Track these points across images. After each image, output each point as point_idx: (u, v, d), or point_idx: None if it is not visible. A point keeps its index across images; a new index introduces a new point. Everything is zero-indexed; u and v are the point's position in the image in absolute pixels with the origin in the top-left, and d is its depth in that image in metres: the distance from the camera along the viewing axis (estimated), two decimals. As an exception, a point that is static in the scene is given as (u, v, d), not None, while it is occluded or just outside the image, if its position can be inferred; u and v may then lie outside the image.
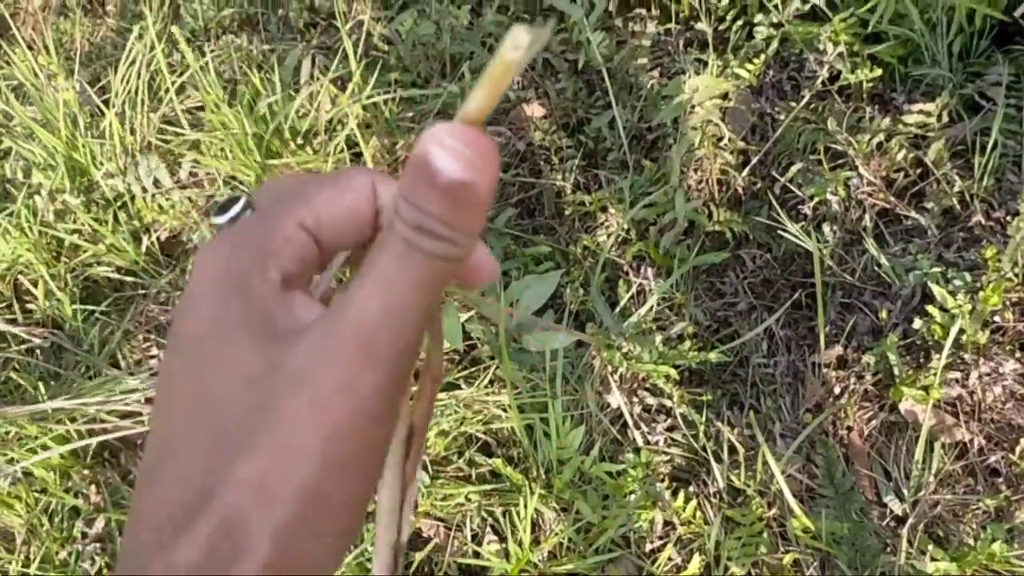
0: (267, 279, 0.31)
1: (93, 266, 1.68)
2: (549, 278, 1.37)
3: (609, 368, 1.47)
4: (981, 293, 1.34)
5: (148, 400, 1.48)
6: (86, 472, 1.42)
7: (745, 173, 1.73)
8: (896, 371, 1.37)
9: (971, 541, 1.29)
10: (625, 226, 1.64)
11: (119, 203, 1.74)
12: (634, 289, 1.59)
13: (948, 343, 1.32)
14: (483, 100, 0.28)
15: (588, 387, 1.46)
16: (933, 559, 1.26)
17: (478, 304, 1.30)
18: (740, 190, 1.75)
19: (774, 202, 1.64)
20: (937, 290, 1.36)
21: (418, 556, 1.38)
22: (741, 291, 1.66)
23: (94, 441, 1.42)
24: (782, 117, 1.77)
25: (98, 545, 1.31)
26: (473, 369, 1.46)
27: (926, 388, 1.32)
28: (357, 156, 1.70)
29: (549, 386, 1.37)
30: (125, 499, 1.39)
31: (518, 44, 0.26)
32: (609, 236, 1.67)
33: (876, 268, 1.53)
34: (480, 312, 1.32)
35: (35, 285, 1.66)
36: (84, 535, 1.31)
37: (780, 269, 1.68)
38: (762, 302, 1.64)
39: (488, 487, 1.40)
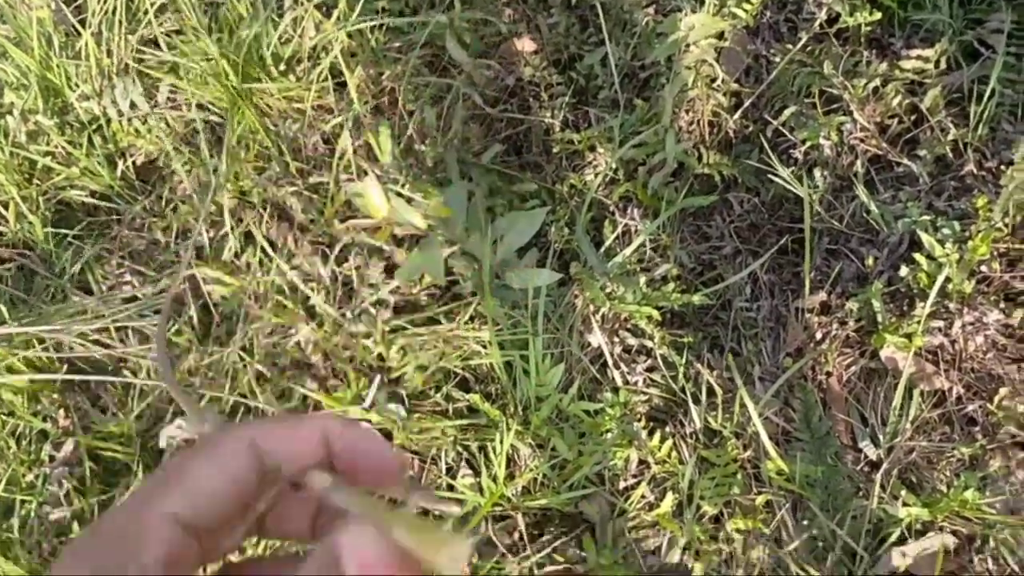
0: None
1: (67, 189, 1.64)
2: (535, 215, 1.34)
3: (591, 308, 1.45)
4: (970, 242, 1.32)
5: (119, 329, 1.46)
6: (55, 396, 1.40)
7: (737, 116, 1.70)
8: (879, 318, 1.36)
9: (944, 488, 1.30)
10: (613, 166, 1.61)
11: (94, 126, 1.69)
12: (620, 230, 1.57)
13: (934, 291, 1.31)
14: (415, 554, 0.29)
15: (569, 326, 1.44)
16: (905, 504, 1.27)
17: (461, 240, 1.28)
18: (731, 133, 1.72)
19: (765, 145, 1.61)
20: (925, 238, 1.35)
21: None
22: (727, 235, 1.64)
23: (60, 375, 1.39)
24: (777, 59, 1.73)
25: (66, 468, 1.29)
26: (454, 304, 1.44)
27: (909, 335, 1.31)
28: (341, 86, 1.66)
29: (531, 323, 1.35)
30: (95, 423, 1.37)
31: (456, 558, 0.29)
32: (597, 176, 1.64)
33: (864, 215, 1.51)
34: (463, 248, 1.30)
35: (6, 207, 1.62)
36: (52, 458, 1.30)
37: (767, 214, 1.65)
38: (748, 246, 1.63)
39: (464, 422, 1.39)
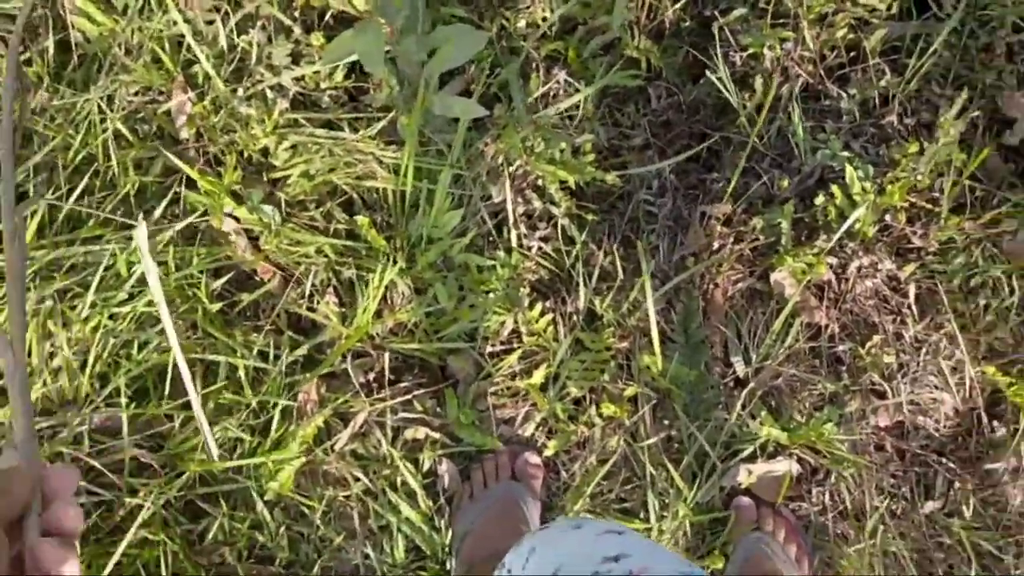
0: None
1: None
2: (478, 36, 1.20)
3: (503, 158, 1.35)
4: (889, 187, 1.32)
5: None
6: None
7: (677, 6, 1.61)
8: (783, 240, 1.35)
9: (799, 418, 1.32)
10: (554, 20, 1.49)
11: None
12: (548, 87, 1.46)
13: (844, 227, 1.31)
14: None
15: (475, 174, 1.33)
16: (762, 424, 1.28)
17: (394, 45, 1.12)
18: (667, 23, 1.63)
19: (697, 44, 1.54)
20: (850, 172, 1.34)
21: (246, 297, 1.24)
22: (639, 126, 1.57)
23: None
24: (730, -42, 1.65)
25: None
26: (360, 115, 1.29)
27: (809, 264, 1.31)
28: None
29: (448, 156, 1.23)
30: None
31: None
32: (532, 25, 1.51)
33: (788, 137, 1.49)
34: (394, 52, 1.14)
35: None
36: None
37: (685, 115, 1.59)
38: (658, 142, 1.56)
39: (341, 243, 1.26)
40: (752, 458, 1.28)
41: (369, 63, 0.98)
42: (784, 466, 1.27)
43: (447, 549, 1.22)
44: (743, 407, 1.31)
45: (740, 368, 1.35)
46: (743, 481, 1.27)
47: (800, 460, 1.29)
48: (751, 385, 1.32)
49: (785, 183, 1.42)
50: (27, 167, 1.17)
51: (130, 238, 1.16)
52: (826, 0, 1.55)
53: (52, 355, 1.08)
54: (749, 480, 1.27)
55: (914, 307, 1.38)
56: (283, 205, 1.26)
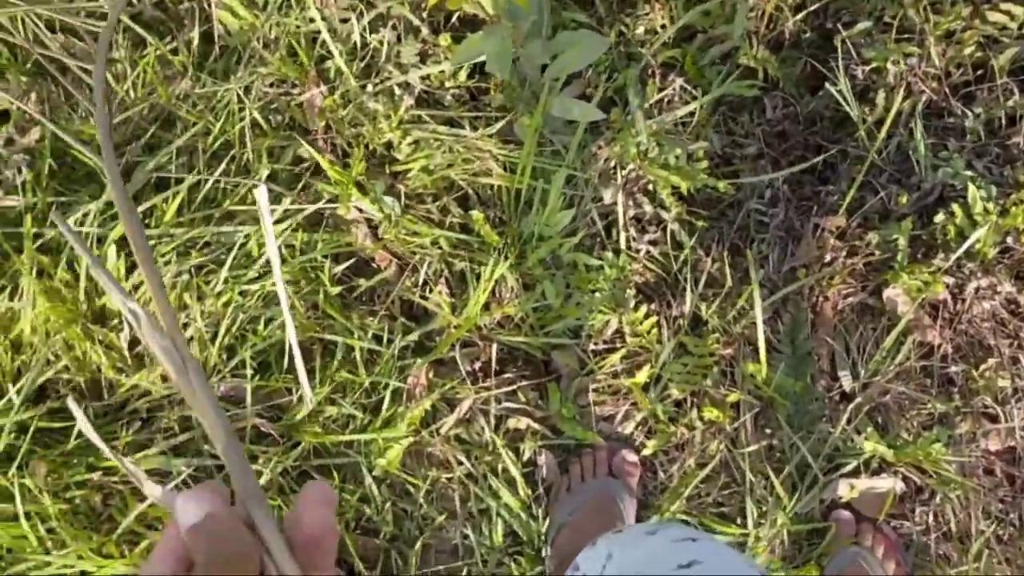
0: None
1: None
2: (600, 41, 1.23)
3: (616, 162, 1.37)
4: (1013, 209, 1.29)
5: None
6: (25, 79, 1.25)
7: (799, 17, 1.60)
8: (900, 256, 1.33)
9: (906, 436, 1.30)
10: (673, 28, 1.50)
11: None
12: (663, 94, 1.47)
13: (964, 246, 1.28)
14: None
15: (587, 176, 1.36)
16: (868, 440, 1.26)
17: (519, 49, 1.16)
18: (787, 33, 1.62)
19: (816, 56, 1.53)
20: (972, 192, 1.31)
21: (363, 283, 1.29)
22: (754, 136, 1.57)
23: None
24: (855, -28, 1.63)
25: (27, 156, 1.16)
26: (480, 114, 1.33)
27: (925, 282, 1.28)
28: None
29: (565, 156, 1.26)
30: (65, 120, 1.22)
31: None
32: (651, 31, 1.53)
33: (908, 153, 1.46)
34: (518, 55, 1.18)
35: None
36: (11, 141, 1.16)
37: (801, 126, 1.58)
38: (772, 152, 1.56)
39: (455, 235, 1.31)
40: (855, 473, 1.27)
41: (496, 65, 1.02)
42: (888, 483, 1.25)
43: (543, 537, 1.24)
44: (848, 421, 1.29)
45: (847, 382, 1.33)
46: (844, 495, 1.26)
47: (905, 478, 1.27)
48: (858, 400, 1.30)
49: (904, 199, 1.40)
50: (171, 149, 1.25)
51: (258, 219, 1.23)
52: (955, 16, 1.52)
53: (186, 326, 1.16)
54: (851, 494, 1.25)
55: (1034, 331, 1.34)
56: (403, 197, 1.31)
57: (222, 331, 1.16)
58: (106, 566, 1.07)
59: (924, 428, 1.30)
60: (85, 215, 1.15)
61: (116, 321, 1.13)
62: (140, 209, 1.17)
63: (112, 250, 1.13)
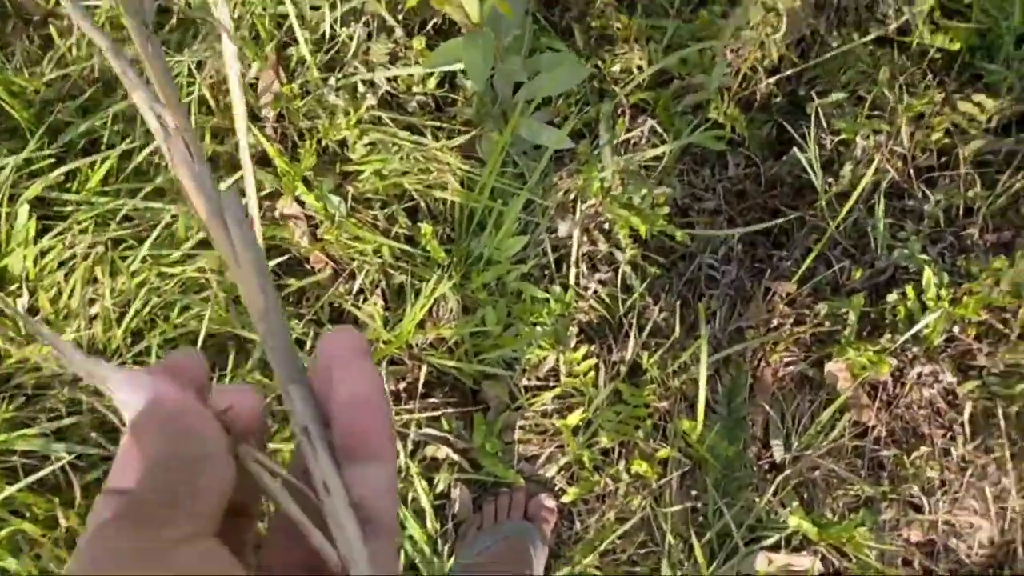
0: None
1: None
2: (579, 69, 1.19)
3: (577, 194, 1.32)
4: (965, 299, 1.28)
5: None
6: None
7: (771, 80, 1.59)
8: (847, 331, 1.30)
9: (830, 515, 1.26)
10: (650, 70, 1.47)
11: None
12: (631, 134, 1.44)
13: (912, 330, 1.26)
14: None
15: (549, 203, 1.31)
16: (792, 514, 1.22)
17: (498, 62, 1.11)
18: (758, 95, 1.61)
19: (785, 120, 1.52)
20: (927, 275, 1.29)
21: (294, 283, 1.22)
22: (713, 191, 1.54)
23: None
24: (834, 44, 1.63)
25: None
26: (444, 125, 1.28)
27: (871, 361, 1.26)
28: None
29: (528, 181, 1.21)
30: (-4, 63, 1.13)
31: None
32: (626, 71, 1.49)
33: (867, 230, 1.45)
34: (496, 69, 1.13)
35: None
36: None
37: (762, 188, 1.56)
38: (730, 210, 1.53)
39: (399, 246, 1.24)
40: (775, 547, 1.22)
41: (474, 74, 0.97)
42: (806, 561, 1.21)
43: (446, 577, 1.17)
44: (775, 493, 1.25)
45: (778, 453, 1.30)
46: (761, 569, 1.21)
47: (824, 559, 1.23)
48: (787, 472, 1.27)
49: (857, 274, 1.38)
50: (106, 115, 1.16)
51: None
52: (927, 100, 1.53)
53: (92, 301, 1.07)
54: (767, 569, 1.21)
55: (967, 426, 1.32)
56: (350, 199, 1.24)
57: (131, 312, 1.07)
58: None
59: (849, 509, 1.27)
60: (0, 169, 1.05)
61: (15, 286, 1.03)
62: (65, 170, 1.08)
63: (24, 210, 1.04)
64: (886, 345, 1.29)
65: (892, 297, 1.32)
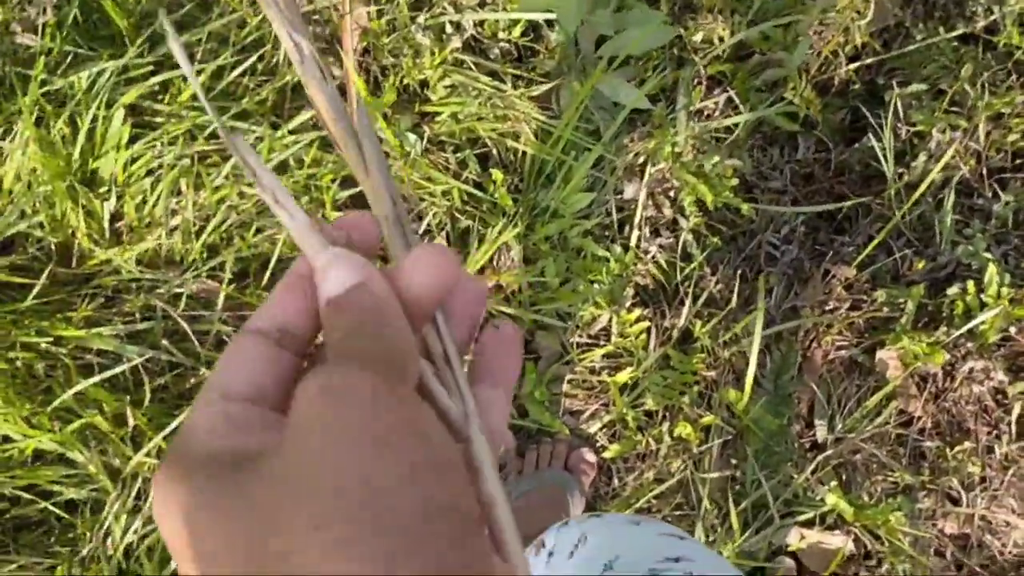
0: None
1: None
2: (667, 30, 1.19)
3: (647, 158, 1.33)
4: (1026, 299, 1.27)
5: None
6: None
7: (852, 67, 1.57)
8: (904, 319, 1.30)
9: (867, 498, 1.27)
10: (731, 42, 1.47)
11: None
12: (706, 103, 1.44)
13: (969, 324, 1.26)
14: None
15: (619, 162, 1.32)
16: (830, 493, 1.24)
17: (587, 15, 1.11)
18: (836, 80, 1.60)
19: (861, 108, 1.51)
20: (991, 273, 1.29)
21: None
22: (781, 172, 1.54)
23: None
24: (919, 37, 1.61)
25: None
26: (524, 75, 1.29)
27: (924, 352, 1.26)
28: None
29: (604, 136, 1.22)
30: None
31: None
32: (708, 40, 1.49)
33: (930, 223, 1.44)
34: (585, 18, 1.14)
35: None
36: (40, -22, 1.09)
37: (830, 173, 1.56)
38: (796, 192, 1.53)
39: (469, 189, 1.26)
40: (809, 524, 1.24)
41: (565, 20, 0.98)
42: (839, 540, 1.23)
43: (485, 516, 1.20)
44: (814, 471, 1.27)
45: (821, 433, 1.31)
46: (793, 543, 1.23)
47: (857, 540, 1.25)
48: (828, 452, 1.28)
49: (920, 265, 1.38)
50: (201, 33, 1.19)
51: (277, 126, 1.18)
52: (1009, 101, 1.51)
53: (175, 212, 1.10)
54: (799, 544, 1.23)
55: (1014, 425, 1.32)
56: (425, 139, 1.26)
57: (210, 227, 1.10)
58: (32, 436, 1.01)
59: (887, 495, 1.27)
60: (99, 73, 1.09)
61: (104, 189, 1.07)
62: (159, 79, 1.12)
63: (119, 114, 1.07)
64: (940, 338, 1.29)
65: (952, 291, 1.31)
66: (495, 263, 1.28)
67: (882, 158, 1.43)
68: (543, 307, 1.27)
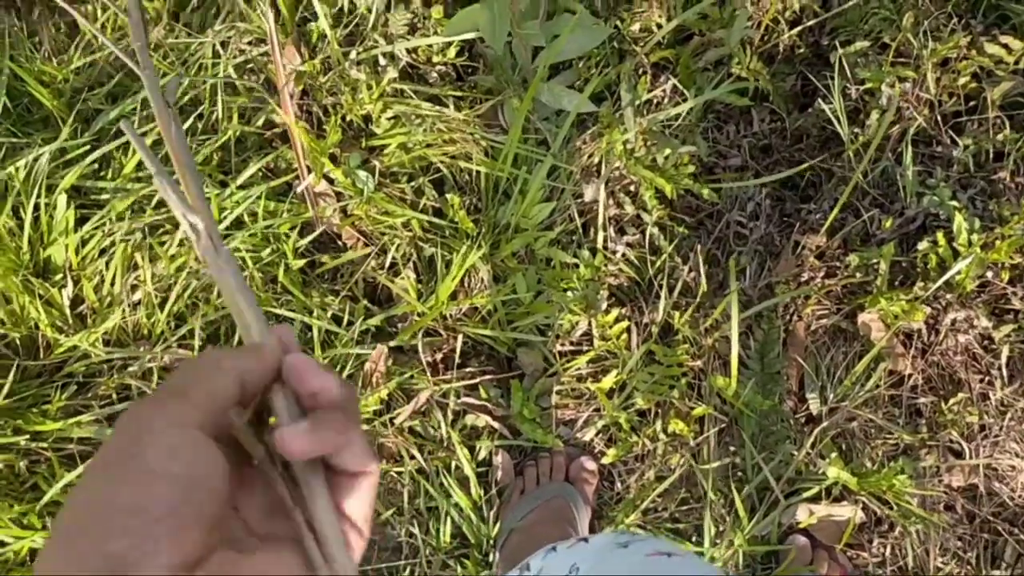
0: None
1: None
2: (599, 30, 1.18)
3: (601, 158, 1.32)
4: (997, 243, 1.27)
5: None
6: (-17, 9, 1.17)
7: (794, 31, 1.57)
8: (879, 281, 1.30)
9: (869, 465, 1.27)
10: (669, 28, 1.46)
11: None
12: (653, 94, 1.43)
13: (945, 276, 1.25)
14: None
15: (573, 168, 1.31)
16: (831, 465, 1.23)
17: (515, 27, 1.10)
18: (780, 47, 1.59)
19: (809, 72, 1.50)
20: (958, 221, 1.28)
21: (327, 260, 1.23)
22: (739, 148, 1.54)
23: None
24: (855, -8, 1.60)
25: (-24, 90, 1.08)
26: (465, 94, 1.28)
27: (904, 310, 1.26)
28: None
29: (551, 146, 1.21)
30: (27, 59, 1.14)
31: None
32: (646, 30, 1.48)
33: (893, 178, 1.44)
34: (513, 34, 1.13)
35: None
36: (-38, 73, 1.07)
37: (787, 142, 1.55)
38: (756, 165, 1.53)
39: (426, 218, 1.25)
40: (815, 499, 1.24)
41: (492, 39, 0.97)
42: (848, 511, 1.22)
43: (492, 541, 1.20)
44: (813, 445, 1.26)
45: (814, 406, 1.30)
46: (803, 521, 1.23)
47: (865, 508, 1.24)
48: (824, 424, 1.27)
49: (887, 224, 1.37)
50: (136, 100, 1.18)
51: (225, 183, 1.16)
52: (953, 44, 1.50)
53: (135, 287, 1.09)
54: (809, 520, 1.22)
55: (1004, 370, 1.32)
56: (377, 174, 1.25)
57: (172, 296, 1.09)
58: (26, 537, 1.00)
59: (889, 458, 1.27)
60: (36, 159, 1.07)
61: (59, 276, 1.05)
62: (97, 156, 1.10)
63: (62, 199, 1.06)
64: (919, 293, 1.28)
65: (923, 245, 1.31)
66: (466, 286, 1.27)
67: (835, 120, 1.42)
68: (520, 323, 1.26)
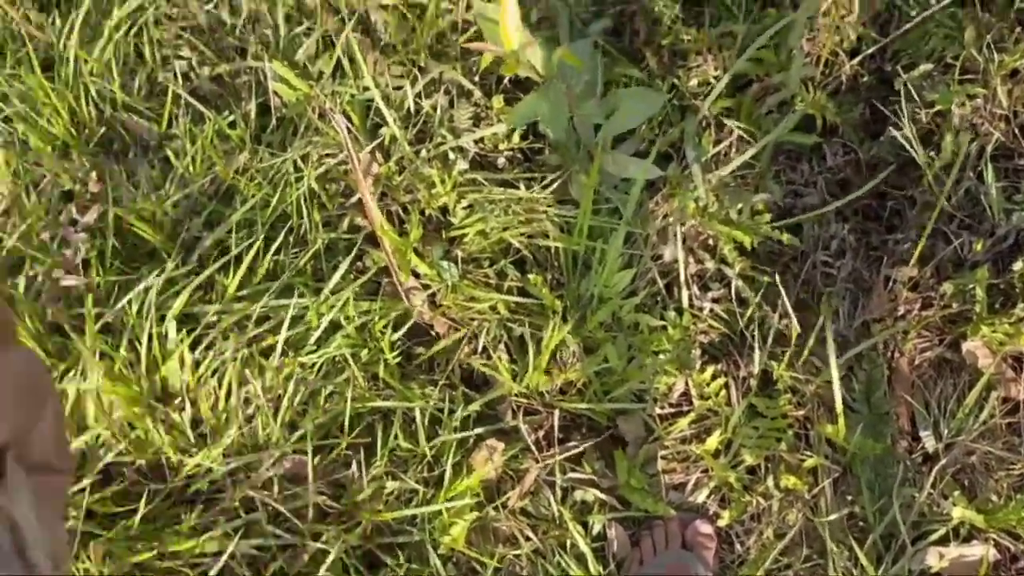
0: None
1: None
2: (655, 97, 1.21)
3: (675, 217, 1.34)
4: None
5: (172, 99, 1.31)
6: (87, 159, 1.26)
7: (855, 61, 1.56)
8: (977, 307, 1.27)
9: (994, 498, 1.23)
10: (726, 77, 1.47)
11: None
12: (720, 147, 1.44)
13: (1047, 295, 1.22)
14: None
15: (649, 231, 1.33)
16: (955, 504, 1.19)
17: (574, 109, 1.14)
18: (843, 78, 1.58)
19: (875, 100, 1.48)
20: (1054, 237, 1.25)
21: (423, 351, 1.27)
22: (814, 185, 1.52)
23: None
24: (913, 13, 1.58)
25: (87, 235, 1.16)
26: (534, 174, 1.31)
27: (1008, 334, 1.22)
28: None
29: (622, 214, 1.23)
30: (124, 197, 1.23)
31: None
32: (704, 83, 1.50)
33: (979, 198, 1.40)
34: (572, 115, 1.16)
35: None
36: (74, 222, 1.16)
37: (864, 173, 1.54)
38: (835, 200, 1.51)
39: (514, 299, 1.28)
40: (943, 541, 1.19)
41: (552, 126, 1.00)
42: (979, 550, 1.18)
43: (616, 616, 1.19)
44: (933, 485, 1.23)
45: (930, 443, 1.27)
46: (934, 565, 1.19)
47: (997, 545, 1.20)
48: (942, 462, 1.23)
49: (978, 246, 1.34)
50: (230, 224, 1.25)
51: (319, 290, 1.22)
52: (1019, 55, 1.48)
53: (248, 401, 1.14)
54: (941, 564, 1.18)
55: None
56: (459, 262, 1.29)
57: (284, 405, 1.14)
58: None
59: (1014, 490, 1.22)
60: (146, 289, 1.14)
61: (178, 400, 1.12)
62: (201, 279, 1.17)
63: (172, 326, 1.12)
64: (1021, 314, 1.25)
65: (1019, 265, 1.27)
66: (558, 361, 1.29)
67: (908, 146, 1.40)
68: (616, 391, 1.27)
